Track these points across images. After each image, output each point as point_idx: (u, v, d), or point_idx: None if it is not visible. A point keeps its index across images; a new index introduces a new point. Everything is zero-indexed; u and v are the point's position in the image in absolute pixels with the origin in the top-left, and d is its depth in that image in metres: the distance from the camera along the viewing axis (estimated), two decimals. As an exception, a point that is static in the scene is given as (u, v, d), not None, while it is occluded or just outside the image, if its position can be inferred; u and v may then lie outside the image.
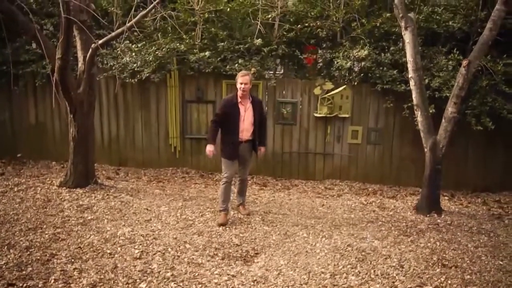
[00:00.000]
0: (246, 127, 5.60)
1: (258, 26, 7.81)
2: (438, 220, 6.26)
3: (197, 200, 6.66)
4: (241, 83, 5.46)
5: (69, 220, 5.55)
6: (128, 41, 7.91)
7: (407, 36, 6.40)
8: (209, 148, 5.59)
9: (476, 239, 5.61)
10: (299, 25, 8.00)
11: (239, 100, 5.56)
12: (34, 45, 8.34)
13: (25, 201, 6.19)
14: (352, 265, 4.65)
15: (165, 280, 4.17)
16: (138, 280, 4.13)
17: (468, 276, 4.52)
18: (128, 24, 5.92)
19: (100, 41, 6.08)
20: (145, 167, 8.49)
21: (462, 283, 4.35)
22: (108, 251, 4.71)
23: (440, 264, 4.77)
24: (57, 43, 7.03)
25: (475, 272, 4.62)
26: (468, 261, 4.89)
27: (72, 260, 4.47)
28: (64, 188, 6.72)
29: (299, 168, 8.42)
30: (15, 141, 8.72)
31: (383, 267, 4.62)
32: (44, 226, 5.30)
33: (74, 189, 6.67)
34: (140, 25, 7.52)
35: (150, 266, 4.41)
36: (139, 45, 7.86)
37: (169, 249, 4.82)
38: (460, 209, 6.98)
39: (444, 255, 5.02)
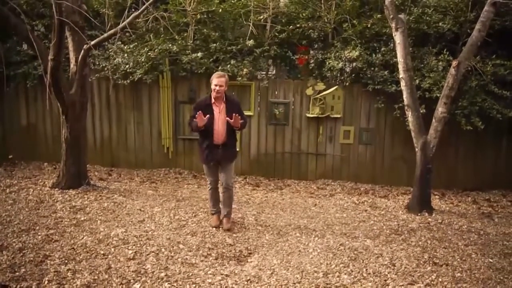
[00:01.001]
0: (220, 129, 5.34)
1: (251, 27, 7.84)
2: (429, 219, 6.34)
3: (190, 200, 6.67)
4: (216, 85, 5.24)
5: (62, 221, 5.54)
6: (120, 42, 7.91)
7: (397, 37, 6.47)
8: (198, 118, 5.10)
9: (466, 237, 5.69)
10: (291, 26, 8.05)
11: (213, 101, 5.35)
12: (25, 46, 8.32)
13: (17, 202, 6.17)
14: (345, 264, 4.69)
15: (159, 280, 4.18)
16: (132, 281, 4.14)
17: (459, 274, 4.59)
18: (121, 25, 5.92)
19: (93, 42, 6.08)
20: (138, 168, 8.49)
21: (452, 281, 4.41)
22: (102, 252, 4.71)
23: (431, 262, 4.84)
24: (49, 44, 7.03)
25: (466, 270, 4.69)
26: (458, 259, 4.96)
27: (66, 261, 4.47)
28: (57, 189, 6.71)
29: (292, 168, 8.46)
30: (6, 143, 8.67)
31: (375, 266, 4.67)
32: (37, 228, 5.29)
33: (66, 190, 6.66)
34: (132, 26, 7.51)
35: (144, 267, 4.42)
36: (131, 46, 7.86)
37: (163, 250, 4.83)
38: (451, 208, 7.07)
39: (435, 253, 5.09)
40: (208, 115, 5.19)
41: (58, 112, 7.21)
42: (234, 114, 5.17)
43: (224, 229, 5.53)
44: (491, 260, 4.98)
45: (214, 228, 5.52)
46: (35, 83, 8.21)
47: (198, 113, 5.11)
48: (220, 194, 5.67)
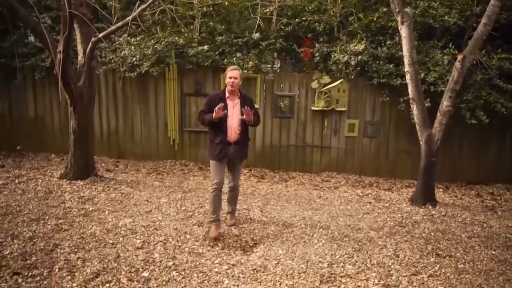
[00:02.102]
0: (234, 125, 5.10)
1: (258, 20, 7.86)
2: (433, 212, 6.40)
3: (196, 192, 6.75)
4: (231, 77, 5.03)
5: (70, 211, 5.64)
6: (126, 35, 7.97)
7: (403, 31, 6.49)
8: (218, 111, 4.88)
9: (469, 229, 5.75)
10: (296, 19, 8.08)
11: (227, 95, 5.13)
12: (32, 38, 8.39)
13: (26, 192, 6.27)
14: (349, 254, 4.77)
15: (167, 269, 4.27)
16: (140, 269, 4.23)
17: (462, 265, 4.65)
18: (130, 17, 5.98)
19: (101, 34, 6.14)
20: (144, 160, 8.58)
21: (455, 272, 4.48)
22: (110, 241, 4.81)
23: (434, 253, 4.90)
24: (56, 37, 7.10)
25: (468, 261, 4.75)
26: (461, 251, 5.02)
27: (75, 250, 4.57)
28: (65, 180, 6.81)
29: (297, 160, 8.53)
30: (14, 134, 8.77)
31: (379, 257, 4.74)
32: (47, 217, 5.39)
33: (74, 181, 6.76)
34: (139, 19, 7.57)
35: (152, 256, 4.51)
36: (138, 38, 7.92)
37: (170, 239, 4.92)
38: (455, 201, 7.12)
39: (438, 245, 5.16)
40: (224, 110, 4.98)
41: (66, 104, 7.28)
42: (245, 107, 4.96)
43: (228, 225, 5.43)
44: (493, 252, 5.04)
45: (222, 215, 5.48)
46: (43, 75, 8.29)
47: (219, 105, 4.88)
48: (225, 193, 5.45)
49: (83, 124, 6.78)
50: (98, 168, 7.54)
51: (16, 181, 6.79)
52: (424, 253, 4.90)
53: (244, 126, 5.18)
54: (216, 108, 4.89)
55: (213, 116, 4.92)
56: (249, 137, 5.40)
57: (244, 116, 5.00)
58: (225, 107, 5.02)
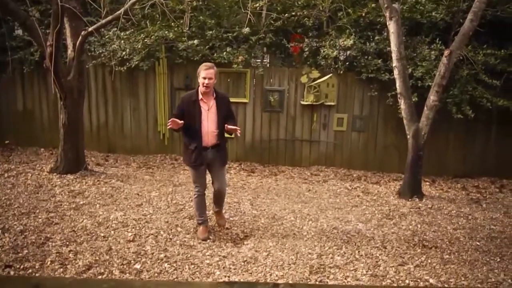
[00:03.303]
0: (210, 129, 4.67)
1: (248, 15, 7.89)
2: (420, 204, 6.52)
3: (186, 186, 6.80)
4: (204, 78, 4.53)
5: (61, 205, 5.66)
6: (116, 29, 7.95)
7: (391, 26, 6.57)
8: (171, 123, 4.51)
9: (455, 221, 5.88)
10: (286, 14, 8.12)
11: (200, 97, 4.64)
12: (20, 32, 8.33)
13: (16, 186, 6.26)
14: (338, 246, 4.86)
15: (159, 261, 4.32)
16: (132, 261, 4.28)
17: (447, 256, 4.77)
18: (121, 10, 5.97)
19: (92, 28, 6.13)
20: (134, 154, 8.59)
21: (441, 262, 4.60)
22: (102, 234, 4.84)
23: (421, 245, 5.02)
24: (45, 30, 7.06)
25: (454, 252, 4.88)
26: (447, 242, 5.15)
27: (67, 243, 4.60)
28: (55, 174, 6.81)
29: (286, 154, 8.60)
30: (2, 128, 8.72)
31: (367, 248, 4.85)
32: (37, 211, 5.40)
33: (64, 175, 6.77)
34: (128, 13, 7.56)
35: (143, 248, 4.56)
36: (127, 32, 7.90)
37: (162, 232, 4.97)
38: (441, 194, 7.26)
39: (424, 236, 5.28)
40: (182, 121, 4.54)
41: (55, 97, 7.26)
42: (226, 126, 4.63)
43: (220, 224, 5.21)
44: (478, 243, 5.18)
45: (210, 212, 5.45)
46: (31, 68, 8.25)
47: (170, 120, 4.49)
48: (211, 195, 5.24)
49: (73, 118, 6.77)
50: (88, 162, 7.54)
51: (6, 175, 6.78)
52: (411, 244, 5.01)
53: (221, 128, 4.75)
54: (168, 122, 4.52)
55: (172, 128, 4.54)
56: (226, 138, 5.04)
57: (230, 128, 4.63)
58: (198, 110, 4.62)
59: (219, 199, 5.14)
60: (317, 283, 4.05)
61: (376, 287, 3.99)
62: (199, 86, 4.66)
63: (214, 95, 4.72)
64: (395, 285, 4.09)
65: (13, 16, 6.26)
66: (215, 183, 4.94)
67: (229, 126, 4.63)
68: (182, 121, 4.54)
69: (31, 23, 6.03)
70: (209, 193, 5.34)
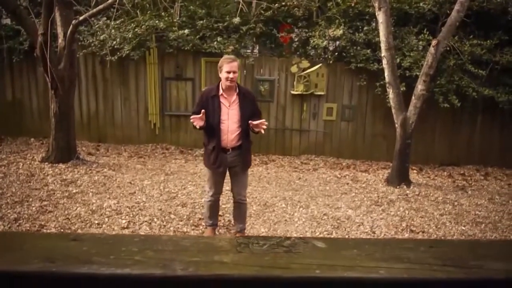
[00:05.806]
0: (231, 128, 4.17)
1: (240, 4, 7.92)
2: (407, 191, 6.68)
3: (178, 174, 6.87)
4: (228, 72, 4.03)
5: (54, 193, 5.69)
6: (105, 18, 7.93)
7: (380, 17, 6.66)
8: (194, 120, 4.08)
9: (441, 207, 6.05)
10: (276, 4, 8.18)
11: (221, 92, 4.16)
12: (8, 21, 8.27)
13: (8, 176, 6.27)
14: (328, 231, 4.99)
15: (154, 247, 4.39)
16: (127, 247, 4.34)
17: (434, 240, 4.93)
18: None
19: (83, 17, 6.13)
20: (125, 144, 8.60)
21: (428, 246, 4.75)
22: (96, 222, 4.91)
23: (408, 230, 5.18)
24: (34, 19, 7.02)
25: (440, 237, 5.04)
26: (434, 227, 5.31)
27: (62, 230, 4.66)
28: (46, 163, 6.82)
29: (276, 144, 8.70)
30: (-9, 118, 8.68)
31: (356, 233, 4.99)
32: (30, 199, 5.43)
33: (56, 164, 6.78)
34: (119, 2, 7.55)
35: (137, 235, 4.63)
36: (117, 22, 7.89)
37: (155, 219, 5.05)
38: (428, 181, 7.43)
39: (412, 222, 5.43)
40: (214, 112, 4.11)
41: (45, 87, 7.24)
42: (250, 122, 4.12)
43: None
44: (463, 228, 5.35)
45: (203, 199, 5.33)
46: (20, 58, 8.18)
47: (201, 112, 4.03)
48: (221, 205, 4.83)
49: (64, 107, 6.78)
50: (79, 151, 7.55)
51: (-3, 164, 6.78)
52: (399, 230, 5.16)
53: (244, 128, 4.23)
54: (191, 120, 4.10)
55: (195, 125, 4.11)
56: (251, 140, 4.47)
57: (255, 124, 4.11)
58: (218, 107, 4.14)
59: (239, 213, 4.58)
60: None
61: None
62: (220, 80, 4.19)
63: (237, 90, 4.21)
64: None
65: (3, 5, 6.22)
66: (234, 190, 4.51)
67: (254, 122, 4.11)
68: (203, 115, 4.04)
69: (21, 12, 6.00)
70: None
